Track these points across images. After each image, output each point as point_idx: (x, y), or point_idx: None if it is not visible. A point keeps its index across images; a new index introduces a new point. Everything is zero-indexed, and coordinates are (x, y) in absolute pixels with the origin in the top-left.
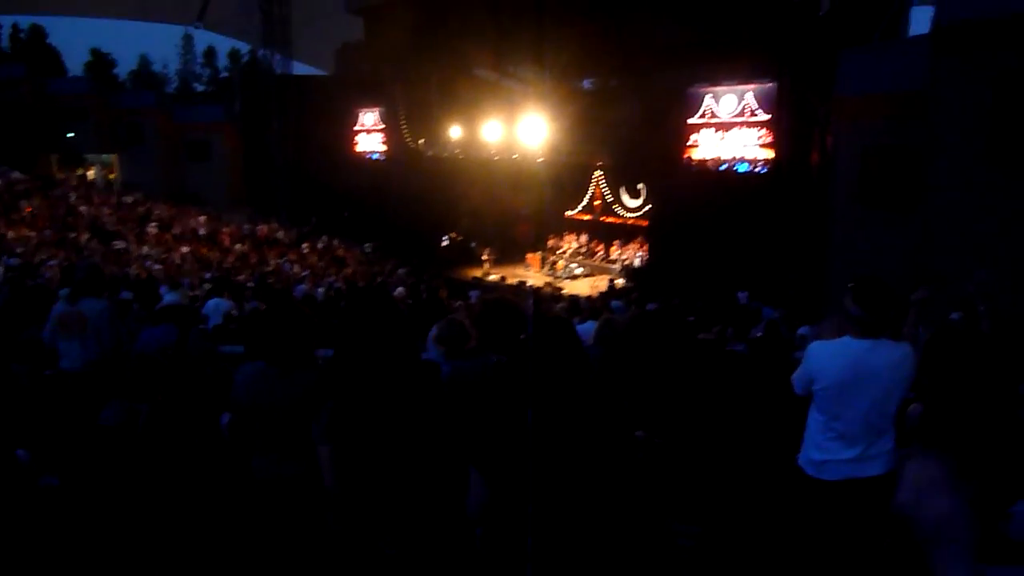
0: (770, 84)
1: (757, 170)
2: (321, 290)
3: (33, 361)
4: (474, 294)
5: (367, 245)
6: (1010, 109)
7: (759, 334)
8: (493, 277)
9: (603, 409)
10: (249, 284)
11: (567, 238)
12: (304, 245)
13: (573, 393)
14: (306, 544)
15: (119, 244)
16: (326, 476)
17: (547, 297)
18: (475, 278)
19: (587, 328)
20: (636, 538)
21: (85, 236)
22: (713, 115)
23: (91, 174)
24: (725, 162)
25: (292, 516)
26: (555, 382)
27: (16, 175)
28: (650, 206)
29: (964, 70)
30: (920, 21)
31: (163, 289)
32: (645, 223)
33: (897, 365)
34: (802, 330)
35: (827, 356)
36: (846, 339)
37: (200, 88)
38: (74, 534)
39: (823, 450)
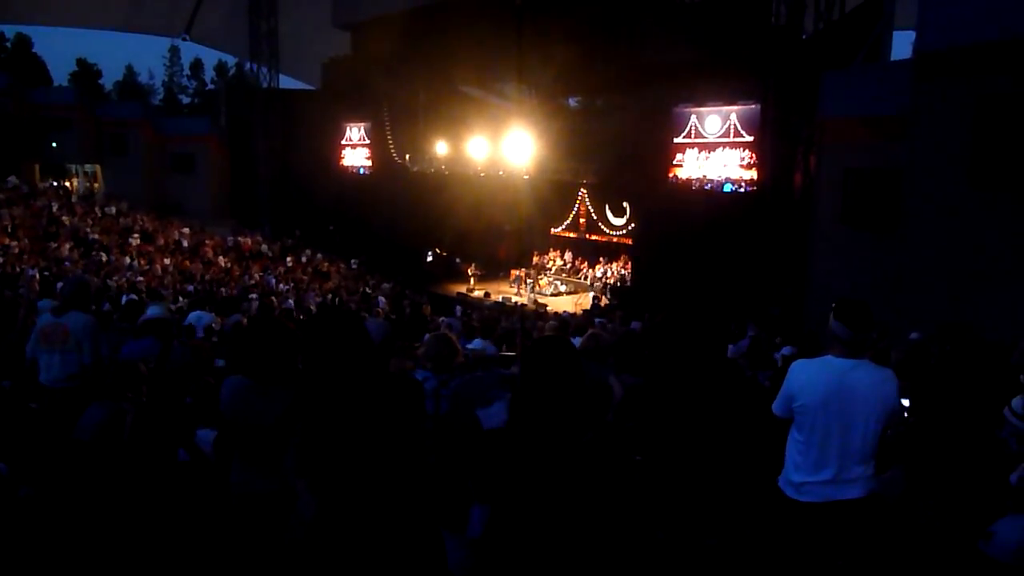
0: (754, 105)
1: (741, 190)
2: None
3: (16, 375)
4: (459, 309)
5: (353, 261)
6: (990, 133)
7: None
8: (477, 293)
9: (599, 427)
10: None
11: (551, 255)
12: (288, 258)
13: (573, 410)
14: (281, 561)
15: (100, 255)
16: (304, 509)
17: (532, 314)
18: (459, 294)
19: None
20: (625, 548)
21: (67, 246)
22: (698, 135)
23: (73, 183)
24: (709, 182)
25: (268, 532)
26: (556, 399)
27: (13, 179)
28: (634, 224)
29: (944, 94)
30: (902, 45)
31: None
32: (629, 241)
33: (879, 387)
34: (784, 350)
35: (808, 374)
36: (827, 358)
37: (186, 100)
38: (50, 546)
39: (802, 471)
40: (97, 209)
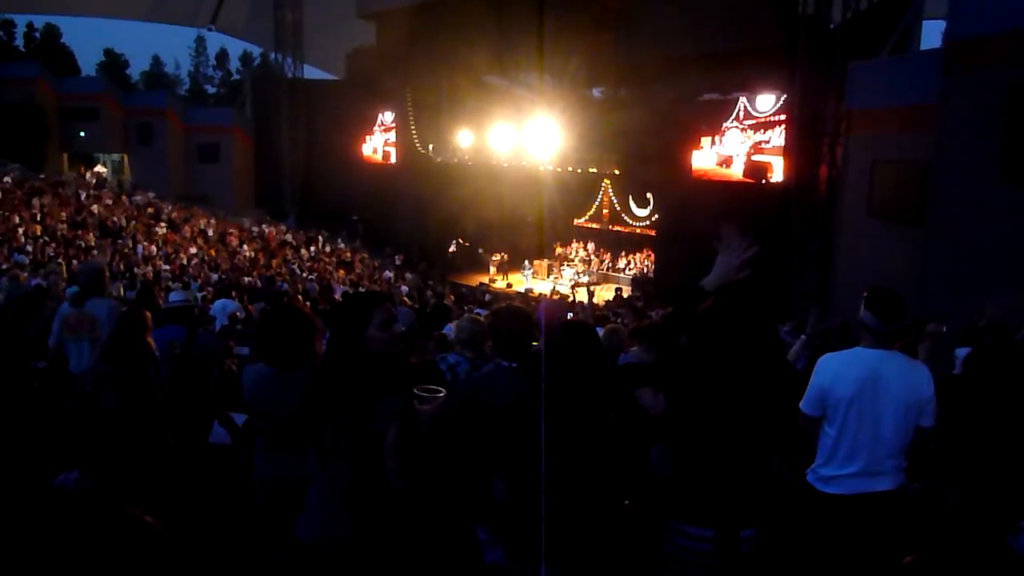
0: (780, 96)
1: (766, 181)
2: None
3: (45, 358)
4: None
5: (397, 257)
6: (1021, 124)
7: None
8: (499, 284)
9: (617, 413)
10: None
11: (574, 246)
12: (312, 247)
13: (590, 397)
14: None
15: (127, 244)
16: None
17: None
18: (481, 284)
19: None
20: (643, 540)
21: (92, 236)
22: (722, 126)
23: (100, 169)
24: (733, 172)
25: (287, 519)
26: (573, 386)
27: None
28: (658, 215)
29: (974, 85)
30: (931, 36)
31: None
32: (653, 232)
33: (911, 379)
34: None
35: (839, 366)
36: (857, 349)
37: (212, 90)
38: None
39: (832, 464)
40: (124, 198)
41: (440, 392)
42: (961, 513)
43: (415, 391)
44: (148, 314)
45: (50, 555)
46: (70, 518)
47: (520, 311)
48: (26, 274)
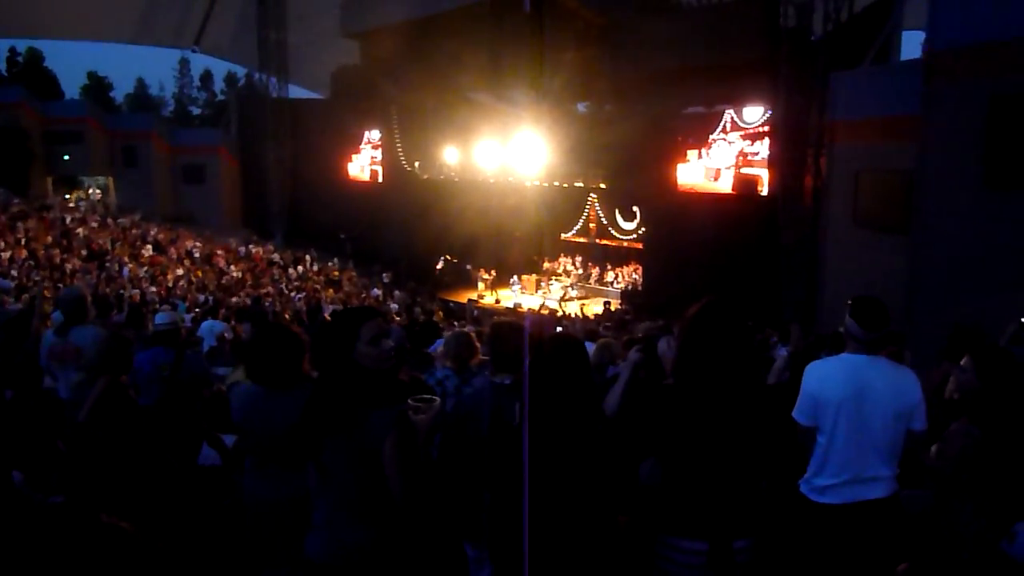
0: (764, 108)
1: (751, 193)
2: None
3: (20, 385)
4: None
5: (385, 275)
6: (1003, 132)
7: None
8: (488, 300)
9: (605, 429)
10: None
11: (561, 260)
12: (300, 267)
13: (578, 414)
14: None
15: (113, 266)
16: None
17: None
18: (470, 300)
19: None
20: (633, 554)
21: (75, 260)
22: (708, 139)
23: (93, 192)
24: (719, 185)
25: (280, 538)
26: (562, 400)
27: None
28: (644, 229)
29: (955, 94)
30: (911, 46)
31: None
32: (640, 245)
33: (898, 384)
34: (781, 351)
35: (827, 373)
36: (843, 356)
37: (196, 111)
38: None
39: (824, 473)
40: (110, 220)
41: (435, 400)
42: (976, 522)
43: (410, 401)
44: (128, 337)
45: (24, 563)
46: (43, 527)
47: (520, 327)
48: (11, 299)
